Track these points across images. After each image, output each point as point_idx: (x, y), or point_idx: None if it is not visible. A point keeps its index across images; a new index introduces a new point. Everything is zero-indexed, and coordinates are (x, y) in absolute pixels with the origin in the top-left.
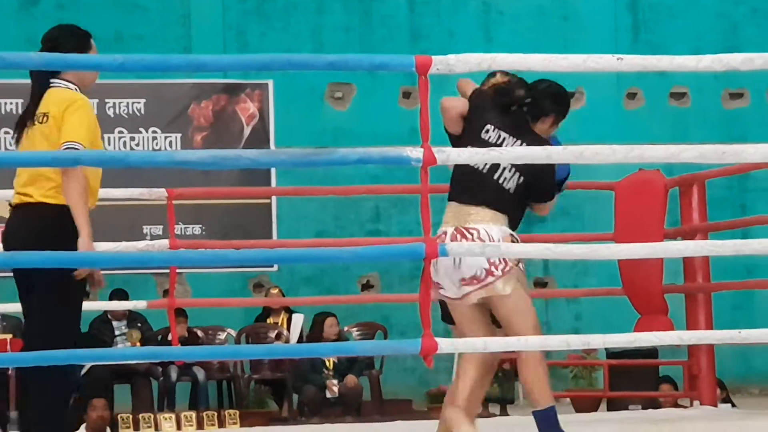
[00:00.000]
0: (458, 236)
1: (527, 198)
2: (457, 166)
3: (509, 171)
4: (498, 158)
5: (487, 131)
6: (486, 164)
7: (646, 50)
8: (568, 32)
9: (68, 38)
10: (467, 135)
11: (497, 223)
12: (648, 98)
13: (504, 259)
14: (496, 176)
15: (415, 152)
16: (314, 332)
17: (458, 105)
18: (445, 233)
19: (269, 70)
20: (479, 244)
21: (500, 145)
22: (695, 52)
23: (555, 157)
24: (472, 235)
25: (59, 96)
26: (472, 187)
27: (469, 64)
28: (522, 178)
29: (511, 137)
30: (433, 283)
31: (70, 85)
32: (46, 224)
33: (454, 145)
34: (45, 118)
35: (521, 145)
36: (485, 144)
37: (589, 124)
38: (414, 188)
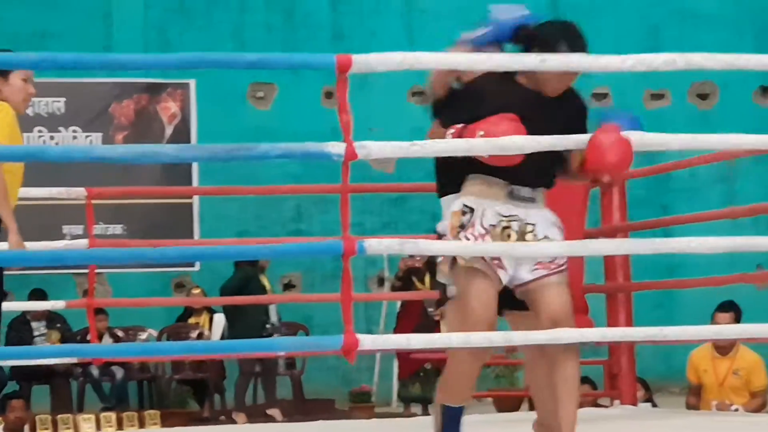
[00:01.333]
0: None
1: None
2: None
3: None
4: (420, 152)
5: None
6: None
7: None
8: None
9: None
10: None
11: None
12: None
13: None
14: None
15: (336, 148)
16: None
17: None
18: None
19: (190, 69)
20: (397, 240)
21: None
22: (616, 52)
23: (476, 148)
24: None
25: None
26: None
27: (391, 63)
28: None
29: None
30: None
31: None
32: None
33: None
34: None
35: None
36: None
37: None
38: (335, 187)
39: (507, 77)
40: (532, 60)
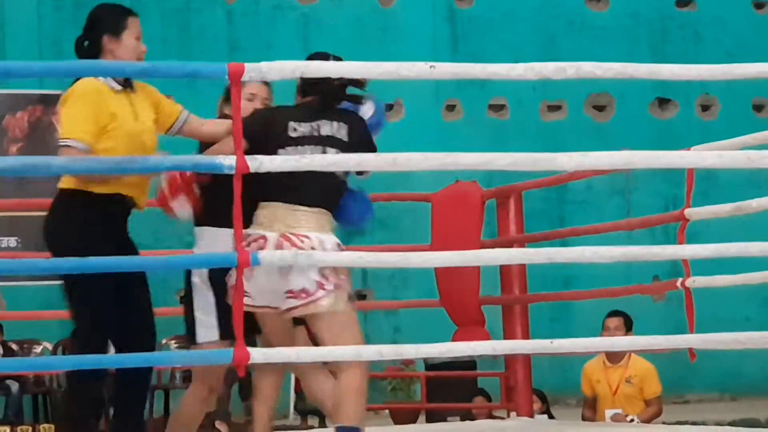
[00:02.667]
0: (286, 243)
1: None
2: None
3: (338, 153)
4: (311, 165)
5: (295, 128)
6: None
7: (466, 62)
8: (387, 44)
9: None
10: (270, 143)
11: (328, 230)
12: (467, 110)
13: (336, 272)
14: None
15: (228, 160)
16: None
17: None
18: (265, 238)
19: (77, 77)
20: (292, 253)
21: (318, 130)
22: (515, 63)
23: (367, 164)
24: (303, 242)
25: None
26: (298, 182)
27: (283, 71)
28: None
29: (325, 121)
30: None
31: None
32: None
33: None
34: None
35: (336, 127)
36: (300, 141)
37: (408, 135)
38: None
39: None
40: (421, 67)
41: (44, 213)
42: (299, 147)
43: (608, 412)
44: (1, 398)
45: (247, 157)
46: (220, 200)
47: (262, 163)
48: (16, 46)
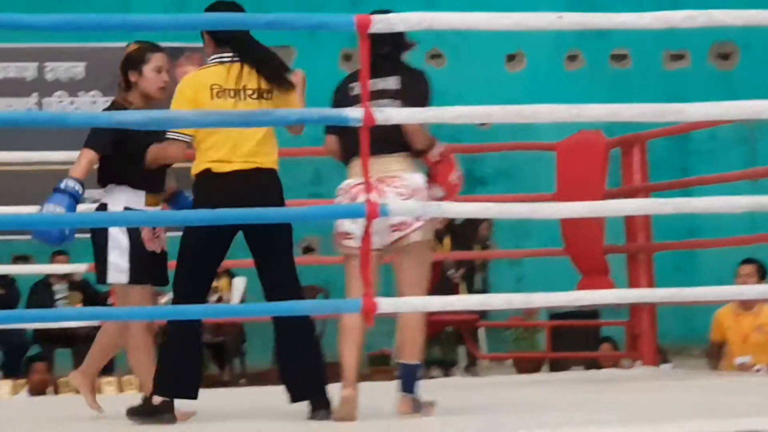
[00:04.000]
0: (381, 185)
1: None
2: (346, 126)
3: (392, 103)
4: (438, 117)
5: (352, 87)
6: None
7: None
8: None
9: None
10: (339, 104)
11: (415, 169)
12: (589, 60)
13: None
14: None
15: (355, 112)
16: None
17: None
18: (362, 185)
19: (203, 30)
20: (420, 204)
21: (373, 86)
22: (631, 12)
23: (494, 116)
24: (396, 182)
25: None
26: (378, 136)
27: (409, 23)
28: (399, 102)
29: (376, 79)
30: (340, 234)
31: None
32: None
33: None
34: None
35: (382, 82)
36: (358, 98)
37: (529, 86)
38: None
39: None
40: (548, 17)
41: None
42: (357, 105)
43: (738, 360)
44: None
45: (374, 110)
46: (127, 162)
47: (389, 116)
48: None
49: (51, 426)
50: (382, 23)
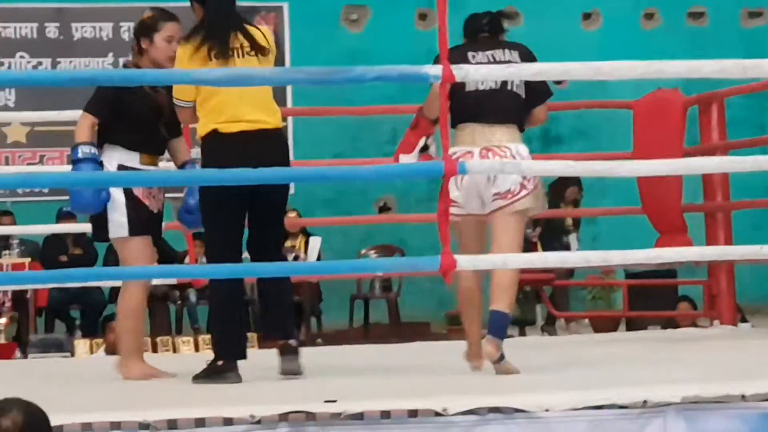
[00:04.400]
0: (489, 155)
1: (530, 103)
2: (463, 92)
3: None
4: (515, 75)
5: (474, 56)
6: (497, 80)
7: None
8: None
9: None
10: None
11: (521, 141)
12: (665, 18)
13: (534, 176)
14: (510, 87)
15: (434, 69)
16: None
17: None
18: (471, 154)
19: None
20: (499, 161)
21: (493, 58)
22: None
23: (573, 73)
24: (504, 153)
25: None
26: (489, 105)
27: None
28: (524, 83)
29: (497, 50)
30: (454, 202)
31: None
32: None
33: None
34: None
35: (509, 54)
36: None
37: (606, 45)
38: None
39: None
40: None
41: None
42: None
43: None
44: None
45: (453, 67)
46: (123, 125)
47: (468, 73)
48: None
49: (127, 385)
50: None
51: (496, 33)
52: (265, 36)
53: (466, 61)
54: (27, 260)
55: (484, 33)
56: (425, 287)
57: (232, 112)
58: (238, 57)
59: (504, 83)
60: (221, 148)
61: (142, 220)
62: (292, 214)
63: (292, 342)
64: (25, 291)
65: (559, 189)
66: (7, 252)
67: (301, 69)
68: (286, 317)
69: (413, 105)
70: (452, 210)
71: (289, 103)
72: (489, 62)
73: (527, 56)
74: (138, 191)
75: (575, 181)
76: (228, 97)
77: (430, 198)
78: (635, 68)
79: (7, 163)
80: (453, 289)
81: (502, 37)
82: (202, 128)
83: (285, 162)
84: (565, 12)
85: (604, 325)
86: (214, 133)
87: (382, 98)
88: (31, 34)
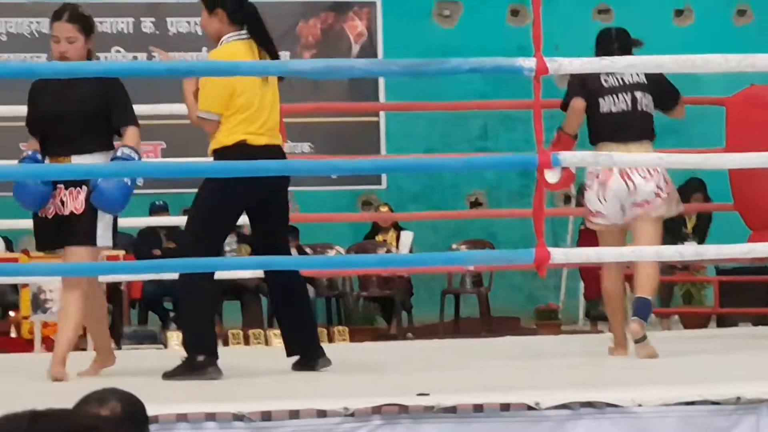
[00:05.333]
0: (628, 170)
1: (662, 109)
2: (598, 113)
3: (643, 95)
4: (611, 67)
5: (606, 80)
6: (628, 101)
7: None
8: None
9: None
10: (591, 95)
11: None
12: (757, 15)
13: (667, 183)
14: (640, 107)
15: (528, 62)
16: None
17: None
18: (611, 171)
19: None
20: (591, 153)
21: (623, 80)
22: None
23: (667, 66)
24: (643, 171)
25: None
26: (625, 125)
27: None
28: (649, 95)
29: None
30: (591, 212)
31: None
32: None
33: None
34: None
35: (637, 76)
36: (613, 90)
37: (698, 41)
38: (526, 103)
39: None
40: None
41: (335, 119)
42: (612, 95)
43: None
44: None
45: (547, 60)
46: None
47: (561, 65)
48: None
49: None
50: None
51: (625, 53)
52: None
53: (599, 82)
54: (121, 252)
55: (614, 53)
56: (516, 282)
57: (261, 124)
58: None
59: (635, 104)
60: (246, 158)
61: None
62: (384, 209)
63: (320, 359)
64: (120, 283)
65: (682, 196)
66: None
67: (394, 61)
68: (310, 333)
69: (503, 100)
70: (598, 220)
71: (382, 98)
72: (619, 84)
73: (654, 76)
74: None
75: (700, 188)
76: (260, 110)
77: (521, 193)
78: (728, 61)
79: None
80: (543, 284)
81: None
82: (227, 137)
83: (288, 177)
84: (656, 8)
85: (694, 321)
86: (243, 144)
87: (473, 94)
88: (126, 28)
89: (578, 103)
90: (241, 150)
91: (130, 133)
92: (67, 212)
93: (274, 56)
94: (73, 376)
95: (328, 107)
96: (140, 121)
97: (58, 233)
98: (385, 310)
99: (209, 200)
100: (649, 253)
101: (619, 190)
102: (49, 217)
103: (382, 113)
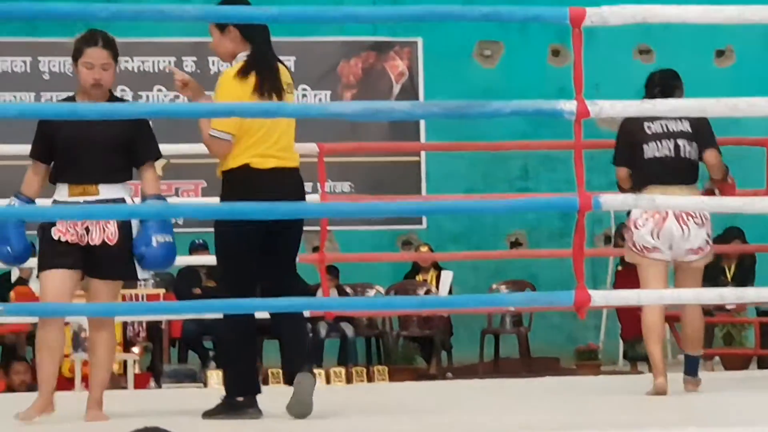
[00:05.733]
0: (684, 216)
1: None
2: (643, 159)
3: (687, 143)
4: (652, 110)
5: (649, 126)
6: (671, 147)
7: None
8: None
9: None
10: (636, 144)
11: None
12: None
13: (710, 234)
14: (683, 154)
15: (569, 105)
16: None
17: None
18: (666, 213)
19: (422, 22)
20: (632, 196)
21: (666, 128)
22: None
23: (709, 110)
24: (696, 215)
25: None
26: (671, 169)
27: (624, 16)
28: (694, 143)
29: (671, 120)
30: (643, 248)
31: None
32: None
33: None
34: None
35: (681, 123)
36: (656, 136)
37: (739, 82)
38: (566, 144)
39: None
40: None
41: (376, 158)
42: (656, 141)
43: None
44: (336, 341)
45: (588, 102)
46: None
47: (602, 109)
48: None
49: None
50: (595, 16)
51: (666, 96)
52: (288, 72)
53: (642, 128)
54: (161, 291)
55: (656, 96)
56: (555, 322)
57: (270, 145)
58: (286, 93)
59: (678, 150)
60: (251, 182)
61: (54, 253)
62: (423, 249)
63: (307, 372)
64: (160, 321)
65: (722, 244)
66: (142, 283)
67: (436, 103)
68: (301, 348)
69: (544, 141)
70: (654, 255)
71: (423, 138)
72: (663, 132)
73: (697, 122)
74: (59, 224)
75: (739, 236)
76: (269, 132)
77: (561, 234)
78: None
79: None
80: (584, 325)
81: None
82: (233, 160)
83: (302, 199)
84: (697, 49)
85: (735, 362)
86: (246, 168)
87: (513, 134)
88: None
89: (621, 173)
90: (244, 173)
91: (151, 175)
92: (97, 242)
93: (276, 73)
94: (110, 414)
95: (368, 147)
96: (181, 160)
97: (87, 261)
98: (424, 349)
99: (223, 243)
100: (688, 296)
101: (673, 233)
102: (70, 242)
103: (422, 153)
